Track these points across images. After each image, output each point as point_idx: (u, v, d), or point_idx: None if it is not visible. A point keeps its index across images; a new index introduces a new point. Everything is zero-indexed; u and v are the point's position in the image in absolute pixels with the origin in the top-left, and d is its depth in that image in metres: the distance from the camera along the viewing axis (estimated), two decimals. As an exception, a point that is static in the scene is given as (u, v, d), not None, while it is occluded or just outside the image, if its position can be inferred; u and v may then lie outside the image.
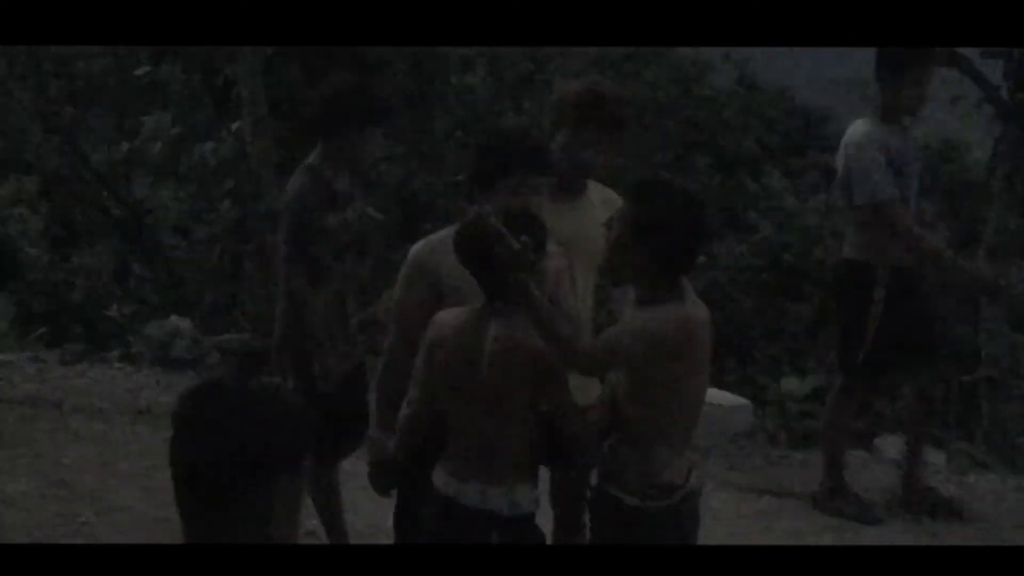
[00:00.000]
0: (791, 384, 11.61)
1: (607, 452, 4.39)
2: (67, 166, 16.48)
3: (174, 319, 12.62)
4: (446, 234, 4.45)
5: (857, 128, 7.26)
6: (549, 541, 4.82)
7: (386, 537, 5.66)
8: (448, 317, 4.28)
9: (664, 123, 17.10)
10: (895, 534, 7.12)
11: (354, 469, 6.00)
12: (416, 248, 4.69)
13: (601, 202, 5.35)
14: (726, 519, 7.17)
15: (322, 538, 6.46)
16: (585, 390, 4.39)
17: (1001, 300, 14.50)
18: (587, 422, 4.30)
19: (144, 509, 6.64)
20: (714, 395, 5.94)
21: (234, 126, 15.08)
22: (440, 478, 4.24)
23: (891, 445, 9.49)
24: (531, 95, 16.02)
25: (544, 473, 4.61)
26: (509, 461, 4.23)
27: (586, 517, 4.63)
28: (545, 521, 4.82)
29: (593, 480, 4.51)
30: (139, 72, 15.37)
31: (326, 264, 5.55)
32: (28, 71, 16.62)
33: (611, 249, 4.17)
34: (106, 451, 7.90)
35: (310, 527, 6.45)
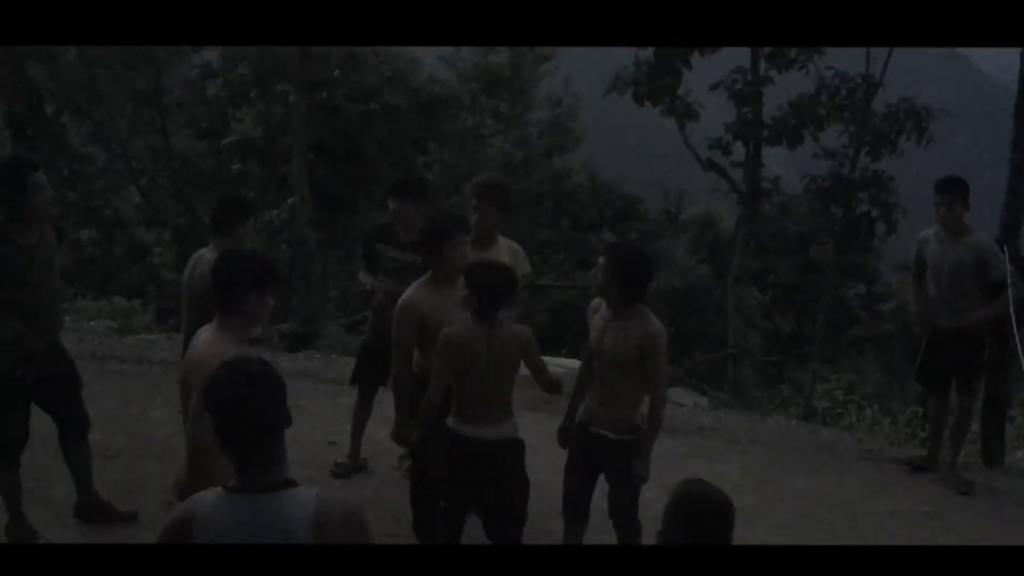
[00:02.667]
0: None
1: (594, 407, 5.73)
2: (188, 223, 22.20)
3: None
4: (419, 285, 5.80)
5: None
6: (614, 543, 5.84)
7: (385, 451, 7.44)
8: (454, 332, 5.37)
9: (544, 201, 23.48)
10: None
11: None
12: (402, 299, 5.83)
13: (507, 248, 6.63)
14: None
15: (343, 447, 7.87)
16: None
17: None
18: (546, 368, 5.61)
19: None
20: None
21: (289, 201, 20.75)
22: (453, 423, 5.49)
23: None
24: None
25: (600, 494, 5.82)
26: (503, 407, 5.51)
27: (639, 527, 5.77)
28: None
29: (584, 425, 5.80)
30: (233, 167, 21.40)
31: None
32: (161, 166, 22.23)
33: (598, 283, 5.51)
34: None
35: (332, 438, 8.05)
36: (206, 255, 6.26)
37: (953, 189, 7.97)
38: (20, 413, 6.18)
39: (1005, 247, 8.65)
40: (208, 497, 3.24)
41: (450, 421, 5.44)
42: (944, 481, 8.29)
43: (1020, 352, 7.70)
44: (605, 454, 5.70)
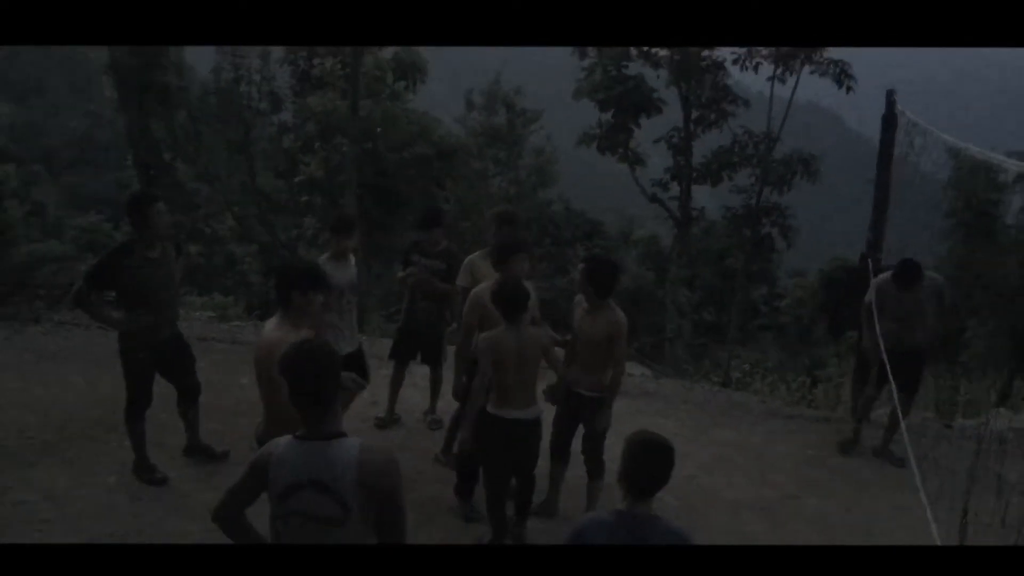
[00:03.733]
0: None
1: (576, 374, 5.70)
2: (269, 240, 22.41)
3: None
4: (489, 284, 5.58)
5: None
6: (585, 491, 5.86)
7: (413, 408, 7.63)
8: (492, 335, 5.29)
9: (532, 225, 23.56)
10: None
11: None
12: (474, 292, 5.83)
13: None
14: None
15: (382, 406, 7.74)
16: None
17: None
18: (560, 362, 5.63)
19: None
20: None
21: None
22: (492, 407, 5.37)
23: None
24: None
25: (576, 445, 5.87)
26: (531, 393, 5.42)
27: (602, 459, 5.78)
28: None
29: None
30: (302, 200, 21.29)
31: None
32: (248, 198, 22.25)
33: (579, 284, 5.65)
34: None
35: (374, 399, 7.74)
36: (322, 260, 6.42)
37: (914, 279, 7.32)
38: (147, 382, 6.23)
39: (869, 259, 8.67)
40: (281, 442, 3.24)
41: (490, 407, 5.36)
42: (881, 457, 7.76)
43: (878, 335, 7.65)
44: (582, 407, 5.76)
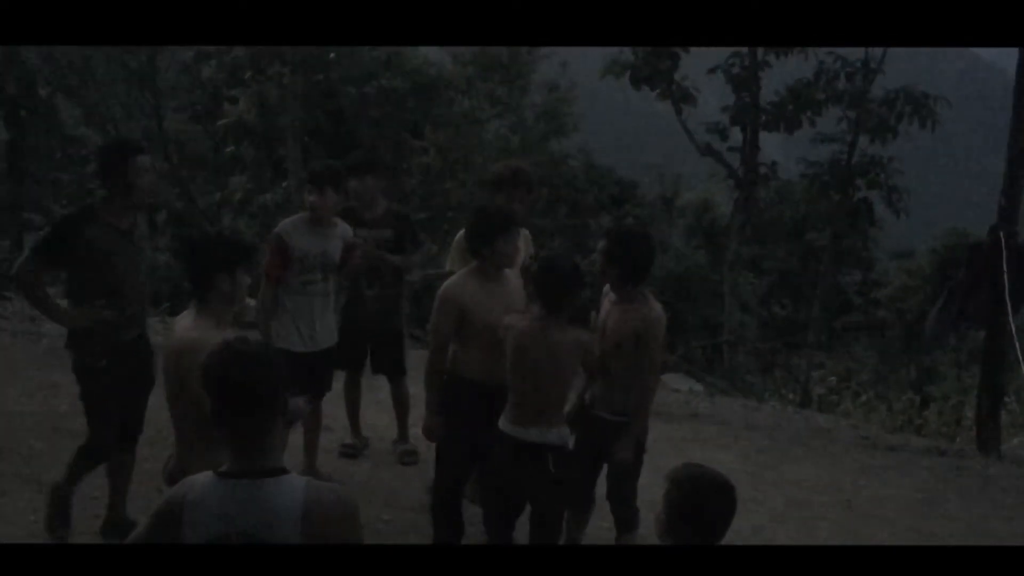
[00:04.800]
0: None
1: (596, 389, 5.78)
2: (183, 205, 22.39)
3: (248, 301, 17.85)
4: (464, 275, 5.74)
5: None
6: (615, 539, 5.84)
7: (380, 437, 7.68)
8: (518, 323, 5.42)
9: (542, 188, 23.41)
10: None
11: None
12: (445, 287, 5.78)
13: (521, 237, 6.35)
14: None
15: (336, 432, 7.76)
16: None
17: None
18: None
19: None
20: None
21: (284, 184, 20.98)
22: (506, 426, 5.43)
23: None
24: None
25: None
26: (558, 412, 5.47)
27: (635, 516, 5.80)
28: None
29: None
30: (228, 150, 21.58)
31: None
32: (155, 148, 21.97)
33: (599, 267, 5.63)
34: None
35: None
36: None
37: None
38: (114, 404, 5.95)
39: (1001, 233, 8.67)
40: (199, 480, 3.22)
41: (503, 423, 5.47)
42: None
43: (1016, 340, 7.70)
44: (603, 435, 5.68)
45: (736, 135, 21.80)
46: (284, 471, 3.22)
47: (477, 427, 5.64)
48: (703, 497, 3.46)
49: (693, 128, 21.78)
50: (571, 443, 5.52)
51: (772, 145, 23.11)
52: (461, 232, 6.38)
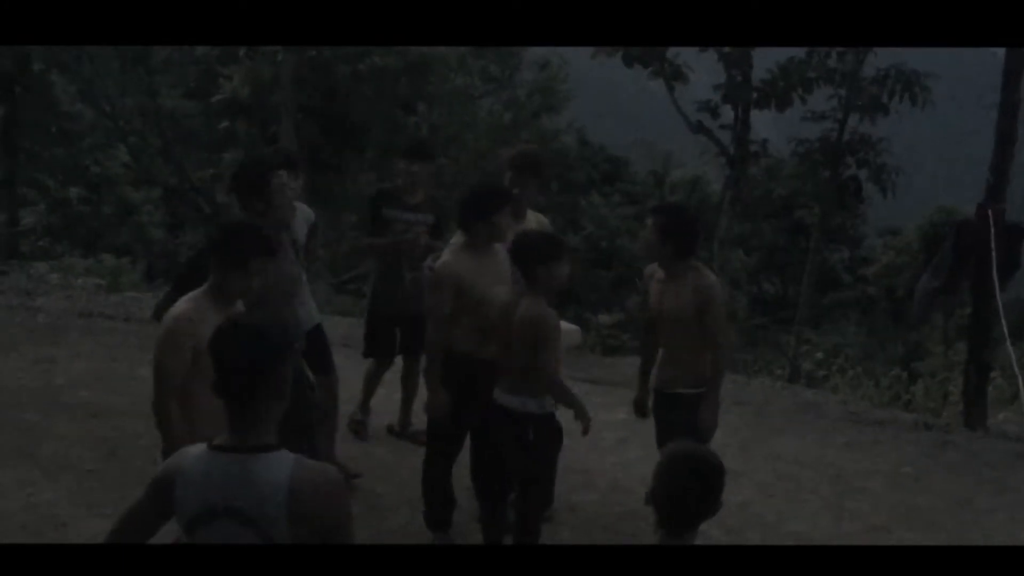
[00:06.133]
0: (604, 318, 14.33)
1: (666, 371, 5.79)
2: (177, 182, 22.46)
3: None
4: (456, 251, 5.76)
5: None
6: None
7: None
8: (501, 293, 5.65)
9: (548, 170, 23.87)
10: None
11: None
12: (439, 264, 5.83)
13: (535, 221, 6.56)
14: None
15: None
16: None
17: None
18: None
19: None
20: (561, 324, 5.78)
21: None
22: (496, 393, 5.55)
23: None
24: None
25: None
26: (538, 382, 5.45)
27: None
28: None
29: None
30: (221, 126, 21.47)
31: None
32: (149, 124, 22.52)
33: (648, 244, 5.66)
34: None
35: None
36: None
37: None
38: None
39: (990, 211, 8.68)
40: (192, 452, 3.24)
41: (496, 394, 5.55)
42: None
43: (1002, 316, 7.72)
44: (688, 410, 5.67)
45: (727, 113, 21.72)
46: (275, 447, 3.22)
47: (468, 400, 5.68)
48: (693, 471, 3.47)
49: (685, 105, 21.70)
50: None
51: (763, 123, 23.00)
52: None
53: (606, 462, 7.37)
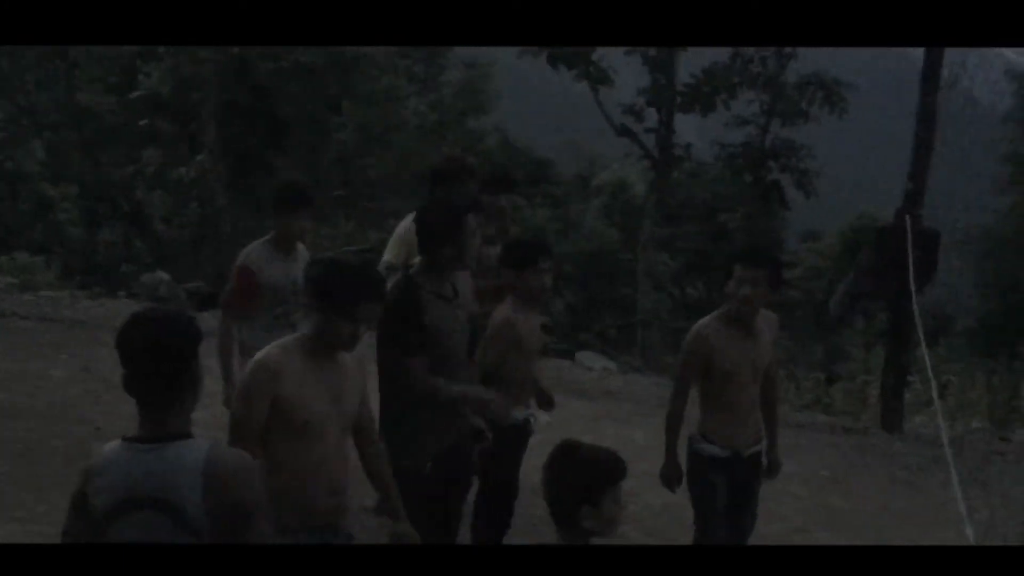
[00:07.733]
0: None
1: (738, 434, 5.27)
2: (94, 178, 22.08)
3: (159, 273, 15.83)
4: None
5: None
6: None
7: None
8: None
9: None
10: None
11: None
12: (503, 315, 5.39)
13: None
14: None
15: None
16: None
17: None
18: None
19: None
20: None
21: (199, 157, 20.84)
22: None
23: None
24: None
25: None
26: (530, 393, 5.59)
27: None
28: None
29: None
30: (141, 123, 21.24)
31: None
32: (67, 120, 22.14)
33: (755, 297, 5.08)
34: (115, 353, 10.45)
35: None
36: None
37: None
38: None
39: (907, 216, 8.85)
40: (105, 448, 3.22)
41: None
42: None
43: (919, 321, 7.86)
44: (757, 472, 5.38)
45: (652, 116, 22.04)
46: (189, 435, 3.21)
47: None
48: (567, 468, 3.44)
49: (610, 108, 21.92)
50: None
51: (687, 127, 23.35)
52: (404, 223, 5.81)
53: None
